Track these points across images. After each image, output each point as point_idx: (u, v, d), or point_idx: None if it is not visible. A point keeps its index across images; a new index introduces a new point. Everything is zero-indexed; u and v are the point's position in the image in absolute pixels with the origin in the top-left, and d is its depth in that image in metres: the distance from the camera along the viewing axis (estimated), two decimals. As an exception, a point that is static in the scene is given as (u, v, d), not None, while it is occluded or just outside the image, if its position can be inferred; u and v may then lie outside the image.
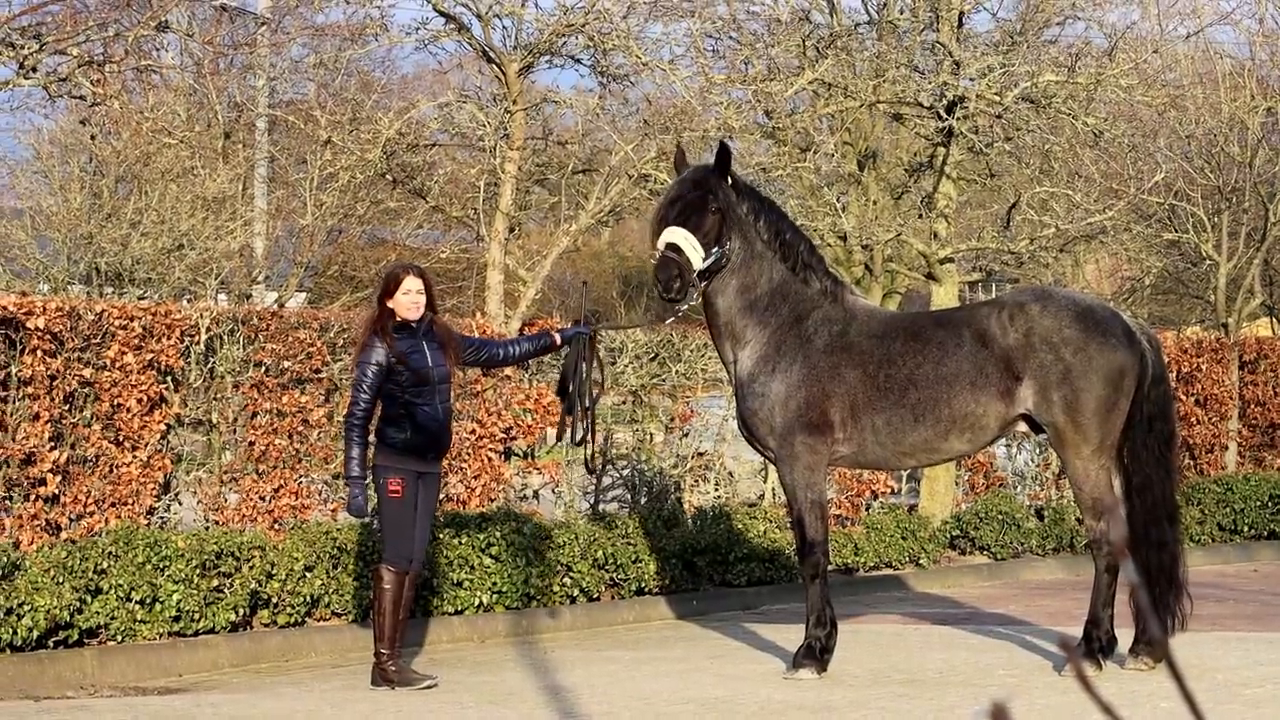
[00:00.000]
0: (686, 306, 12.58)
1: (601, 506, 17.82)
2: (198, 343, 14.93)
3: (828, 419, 12.54)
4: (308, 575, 14.30)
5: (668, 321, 13.55)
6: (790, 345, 12.59)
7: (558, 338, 13.03)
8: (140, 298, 18.40)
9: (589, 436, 12.91)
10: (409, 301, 12.27)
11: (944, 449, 12.90)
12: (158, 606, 13.39)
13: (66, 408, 13.98)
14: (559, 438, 13.66)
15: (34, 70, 14.49)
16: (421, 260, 27.28)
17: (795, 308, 12.69)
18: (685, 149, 13.59)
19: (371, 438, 12.40)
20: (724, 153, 12.69)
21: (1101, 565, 12.75)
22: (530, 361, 16.09)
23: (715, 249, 12.39)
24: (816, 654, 12.60)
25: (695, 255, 12.23)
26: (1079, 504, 13.08)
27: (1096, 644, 12.59)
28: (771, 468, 19.20)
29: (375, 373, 12.11)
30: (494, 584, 15.26)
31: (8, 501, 13.67)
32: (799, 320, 12.66)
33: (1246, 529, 23.41)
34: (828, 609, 12.74)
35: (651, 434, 19.08)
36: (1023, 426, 12.82)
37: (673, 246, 12.21)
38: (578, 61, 18.45)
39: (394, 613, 12.29)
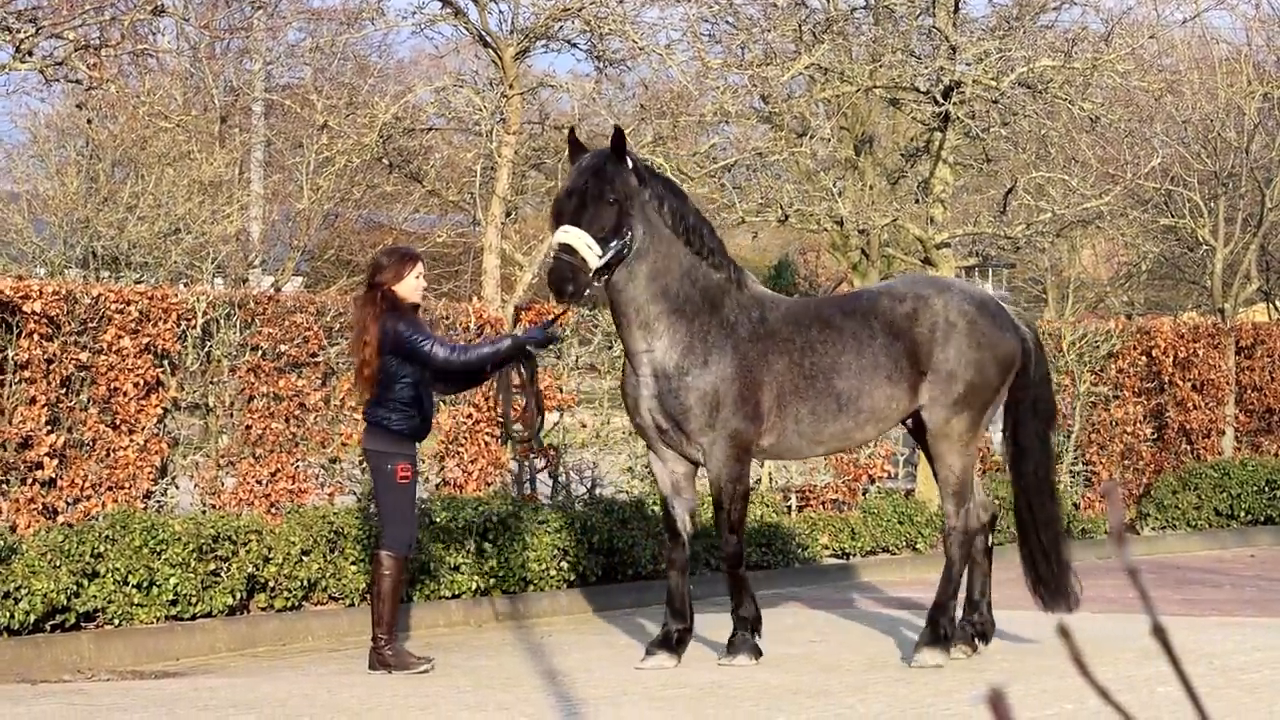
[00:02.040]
0: (589, 301, 12.37)
1: (598, 490, 17.78)
2: (194, 327, 14.91)
3: (759, 409, 12.33)
4: (304, 559, 14.27)
5: (577, 304, 13.06)
6: (715, 335, 12.26)
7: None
8: (137, 281, 18.41)
9: (534, 462, 12.68)
10: (418, 285, 12.28)
11: (856, 438, 12.91)
12: (155, 590, 13.37)
13: (63, 391, 13.97)
14: (513, 457, 13.36)
15: (30, 54, 14.45)
16: (418, 244, 27.24)
17: (707, 294, 12.36)
18: (578, 133, 13.13)
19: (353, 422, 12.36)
20: (619, 137, 12.22)
21: (955, 554, 12.73)
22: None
23: (614, 241, 11.94)
24: (752, 639, 12.51)
25: (590, 254, 11.77)
26: (946, 491, 12.79)
27: (943, 632, 12.57)
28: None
29: (425, 329, 12.09)
30: (491, 568, 15.24)
31: (4, 485, 13.66)
32: (715, 308, 12.34)
33: (1243, 514, 23.41)
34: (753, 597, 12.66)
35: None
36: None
37: (566, 248, 11.79)
38: (574, 46, 18.41)
39: (393, 598, 12.27)
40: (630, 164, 12.20)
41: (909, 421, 13.07)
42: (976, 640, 12.86)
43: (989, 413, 12.72)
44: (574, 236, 11.79)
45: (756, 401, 12.30)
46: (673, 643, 12.47)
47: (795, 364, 12.37)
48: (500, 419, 12.58)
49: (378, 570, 12.31)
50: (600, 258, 11.83)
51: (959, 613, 12.90)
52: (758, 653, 12.48)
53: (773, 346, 12.37)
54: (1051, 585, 13.05)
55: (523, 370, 12.36)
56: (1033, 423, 12.96)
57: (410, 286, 12.21)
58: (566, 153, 12.67)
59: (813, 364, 12.40)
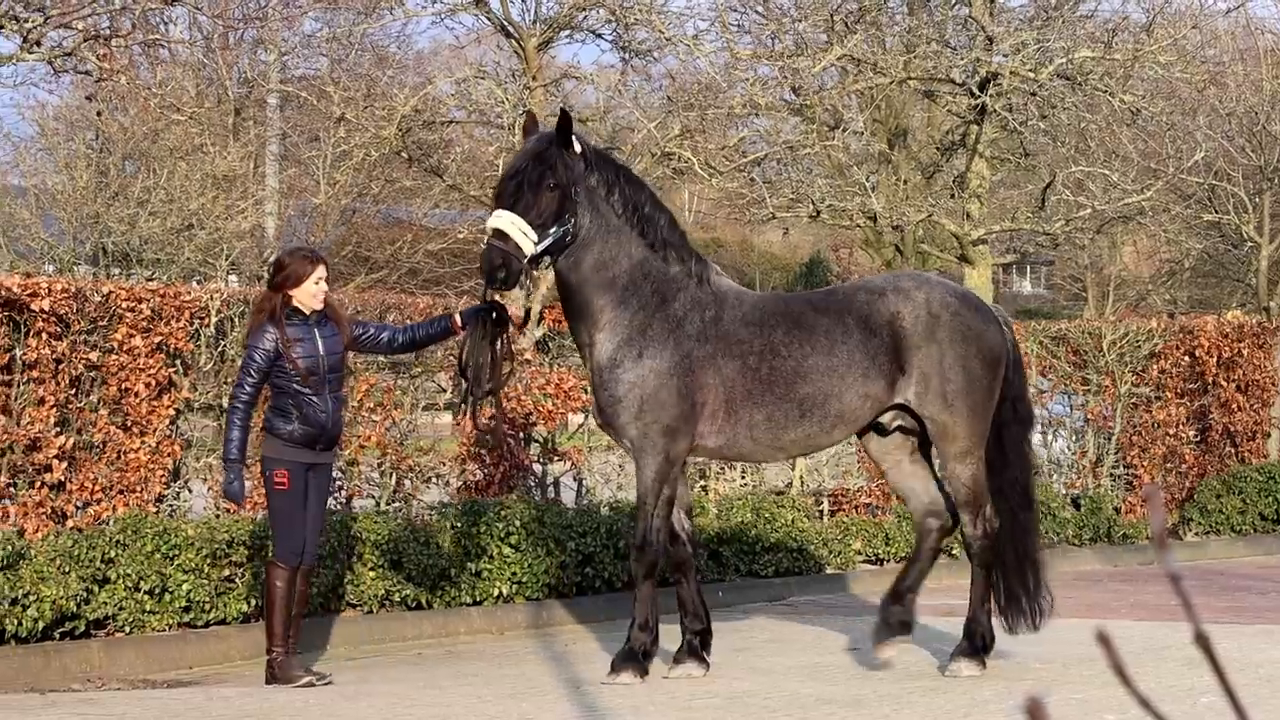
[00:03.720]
0: (524, 287, 11.96)
1: (623, 494, 17.55)
2: (208, 325, 14.83)
3: (696, 411, 11.86)
4: (322, 565, 14.06)
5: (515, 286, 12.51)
6: (657, 329, 11.84)
7: (458, 319, 12.28)
8: (149, 279, 18.30)
9: (492, 422, 12.33)
10: (317, 291, 12.01)
11: (823, 443, 12.53)
12: (167, 597, 13.22)
13: (73, 392, 13.88)
14: (458, 420, 13.06)
15: (38, 44, 14.37)
16: (438, 240, 27.09)
17: (659, 288, 11.93)
18: (535, 116, 12.84)
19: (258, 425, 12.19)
20: (564, 121, 11.86)
21: (978, 563, 12.43)
22: (548, 345, 15.62)
23: (554, 228, 11.57)
24: (638, 658, 11.94)
25: (525, 240, 11.40)
26: (957, 501, 12.46)
27: (980, 642, 12.32)
28: (803, 456, 18.90)
29: (264, 358, 11.86)
30: (513, 574, 15.12)
31: (12, 489, 13.59)
32: (664, 302, 11.93)
33: (1289, 518, 23.09)
34: (654, 612, 12.15)
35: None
36: (888, 416, 12.37)
37: (498, 233, 11.43)
38: (599, 36, 18.28)
39: (284, 610, 12.06)
40: (578, 148, 11.82)
41: (914, 439, 12.65)
42: (901, 632, 12.47)
43: (989, 414, 12.29)
44: (506, 221, 11.44)
45: (694, 403, 11.85)
46: (697, 647, 12.14)
47: (750, 369, 11.94)
48: (465, 373, 12.12)
49: (268, 582, 12.17)
50: (536, 244, 11.47)
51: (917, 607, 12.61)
52: (644, 672, 11.91)
53: (724, 349, 11.92)
54: (1019, 603, 12.63)
55: (488, 326, 11.96)
56: (1012, 427, 12.56)
57: (308, 292, 11.99)
58: (520, 135, 12.32)
59: (772, 369, 11.96)
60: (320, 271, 12.03)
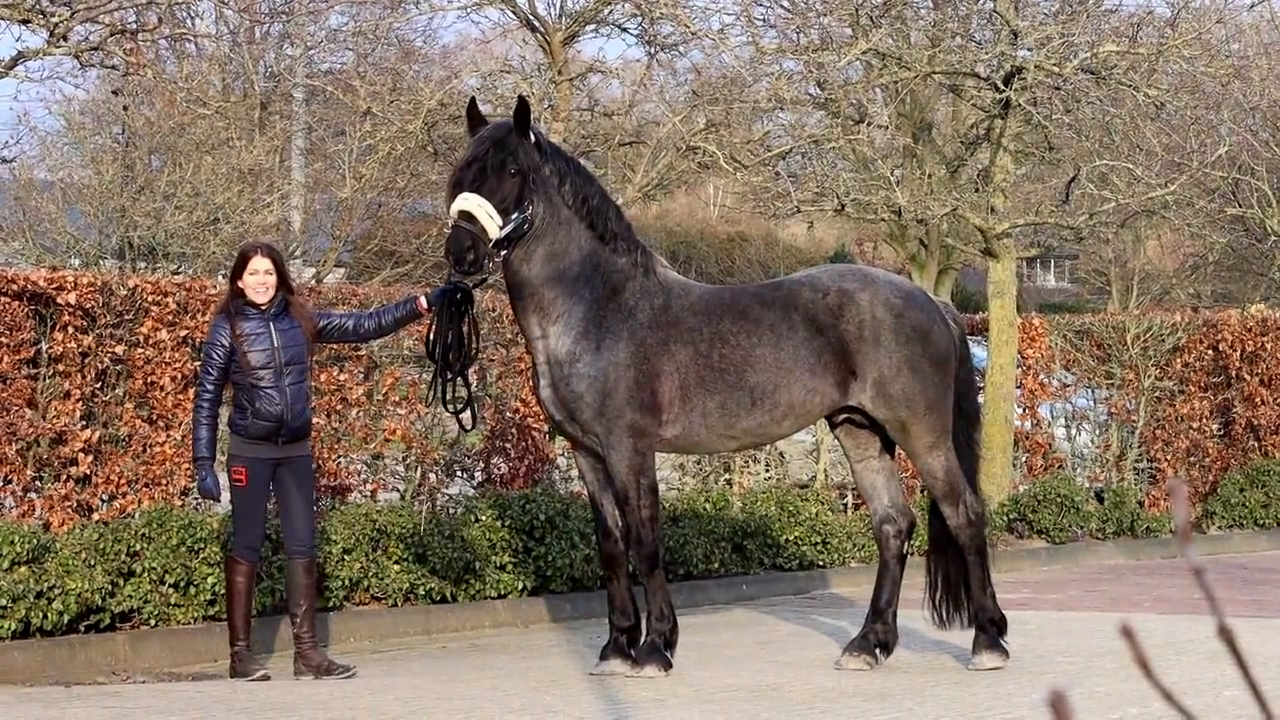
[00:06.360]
0: (488, 278, 11.89)
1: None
2: None
3: (657, 399, 11.82)
4: (346, 558, 14.11)
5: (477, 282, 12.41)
6: (611, 320, 11.78)
7: (423, 301, 12.27)
8: (174, 272, 18.21)
9: (468, 405, 12.26)
10: (256, 283, 12.02)
11: (774, 433, 12.50)
12: (192, 590, 13.20)
13: (99, 386, 13.83)
14: (428, 403, 13.00)
15: (65, 38, 14.33)
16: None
17: (609, 279, 11.88)
18: (478, 102, 12.75)
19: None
20: (522, 108, 11.80)
21: (970, 550, 12.46)
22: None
23: (515, 214, 11.51)
24: (660, 649, 11.92)
25: (491, 224, 11.35)
26: (935, 495, 12.53)
27: (994, 631, 12.32)
28: (824, 448, 18.88)
29: (220, 354, 11.97)
30: (538, 568, 15.10)
31: (38, 482, 13.54)
32: (615, 293, 11.86)
33: (1312, 512, 22.98)
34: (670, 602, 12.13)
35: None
36: (839, 415, 12.39)
37: (466, 215, 11.38)
38: (624, 30, 18.22)
39: (239, 604, 12.10)
40: (533, 138, 11.80)
41: (879, 437, 12.59)
42: (878, 651, 12.40)
43: (947, 406, 12.28)
44: (474, 204, 11.39)
45: (654, 391, 11.80)
46: (624, 645, 12.03)
47: (702, 355, 11.91)
48: (432, 355, 12.09)
49: (226, 575, 12.28)
50: (501, 229, 11.42)
51: (899, 621, 12.63)
52: (668, 664, 11.89)
53: (675, 335, 11.89)
54: (957, 598, 12.65)
55: (454, 307, 11.96)
56: (957, 421, 12.53)
57: (248, 284, 12.04)
58: (466, 125, 12.28)
59: (723, 356, 11.94)
60: (260, 262, 12.04)
